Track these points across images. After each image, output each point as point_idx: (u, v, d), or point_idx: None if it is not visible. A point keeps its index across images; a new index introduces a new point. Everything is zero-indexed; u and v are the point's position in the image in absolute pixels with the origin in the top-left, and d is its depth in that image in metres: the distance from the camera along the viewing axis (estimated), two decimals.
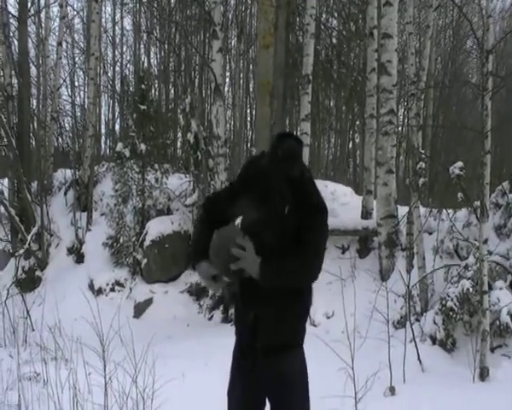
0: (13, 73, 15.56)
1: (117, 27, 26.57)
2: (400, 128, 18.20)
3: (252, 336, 3.38)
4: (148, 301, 12.26)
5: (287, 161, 3.25)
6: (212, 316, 11.47)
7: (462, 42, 26.08)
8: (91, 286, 12.80)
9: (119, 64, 26.63)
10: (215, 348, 7.90)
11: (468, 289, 8.25)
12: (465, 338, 8.28)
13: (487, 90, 7.77)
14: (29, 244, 13.43)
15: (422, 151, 10.45)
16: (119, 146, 13.77)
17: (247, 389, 3.49)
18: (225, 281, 3.33)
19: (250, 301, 3.35)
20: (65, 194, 15.67)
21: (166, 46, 23.35)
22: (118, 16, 26.48)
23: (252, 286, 3.25)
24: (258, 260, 3.18)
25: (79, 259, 13.83)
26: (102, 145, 26.18)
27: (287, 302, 3.32)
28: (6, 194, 15.21)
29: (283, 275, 3.21)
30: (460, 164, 8.72)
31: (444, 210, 10.57)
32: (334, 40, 19.43)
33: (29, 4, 17.40)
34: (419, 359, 7.90)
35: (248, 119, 23.83)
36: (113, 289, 12.74)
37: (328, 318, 10.27)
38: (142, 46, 26.16)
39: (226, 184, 11.64)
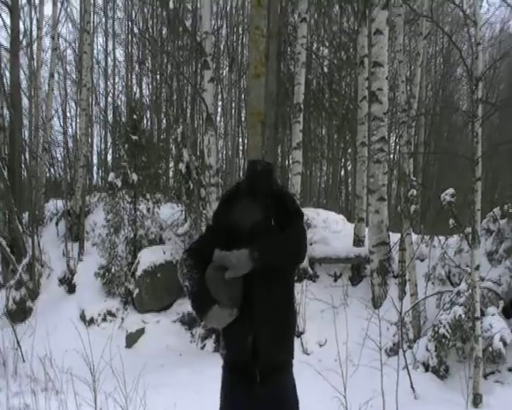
0: (4, 104, 15.60)
1: (109, 58, 26.85)
2: (392, 156, 18.28)
3: (251, 359, 3.37)
4: (140, 331, 12.16)
5: (267, 173, 3.53)
6: (204, 345, 11.39)
7: (453, 69, 26.26)
8: (83, 316, 12.67)
9: (111, 95, 26.82)
10: (207, 377, 7.81)
11: (460, 315, 8.23)
12: (458, 365, 8.25)
13: (477, 117, 7.81)
14: (20, 275, 13.36)
15: (414, 178, 10.48)
16: (111, 176, 13.76)
17: None
18: (235, 309, 3.33)
19: (248, 324, 3.34)
20: (56, 224, 15.64)
21: (158, 76, 23.49)
22: (110, 47, 26.71)
23: (248, 310, 3.30)
24: (245, 251, 3.23)
25: (71, 289, 13.75)
26: (94, 175, 26.31)
27: (281, 317, 3.40)
28: None
29: (272, 248, 3.29)
30: (451, 191, 8.76)
31: (435, 237, 10.58)
32: (326, 69, 19.61)
33: (21, 36, 17.51)
34: (412, 386, 7.86)
35: (240, 148, 23.91)
36: (104, 320, 12.63)
37: (320, 346, 10.22)
38: (134, 77, 26.33)
39: None
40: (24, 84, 20.63)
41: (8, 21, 17.74)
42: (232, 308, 3.29)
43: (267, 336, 3.34)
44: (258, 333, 3.34)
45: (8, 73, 17.17)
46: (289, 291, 3.54)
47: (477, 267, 7.78)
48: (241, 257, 3.21)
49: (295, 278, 3.77)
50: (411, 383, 7.88)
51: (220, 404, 3.56)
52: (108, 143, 26.65)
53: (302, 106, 12.48)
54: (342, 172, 23.52)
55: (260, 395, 3.39)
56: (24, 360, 9.74)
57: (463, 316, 8.22)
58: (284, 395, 3.44)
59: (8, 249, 13.82)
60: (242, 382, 3.43)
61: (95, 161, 26.43)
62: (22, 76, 20.02)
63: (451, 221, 9.01)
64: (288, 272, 3.54)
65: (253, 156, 11.82)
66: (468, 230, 8.30)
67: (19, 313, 13.20)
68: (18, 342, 10.34)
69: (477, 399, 7.42)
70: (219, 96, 23.16)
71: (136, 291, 12.69)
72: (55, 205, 16.14)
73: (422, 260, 10.54)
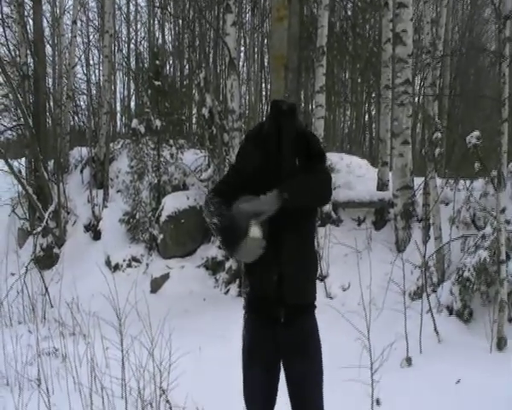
0: (28, 52, 15.60)
1: (131, 4, 26.50)
2: (416, 98, 18.05)
3: (275, 298, 3.35)
4: (165, 277, 12.28)
5: (292, 113, 3.43)
6: (228, 290, 11.47)
7: (480, 10, 25.71)
8: (108, 262, 12.87)
9: (133, 41, 26.60)
10: (231, 322, 7.84)
11: (485, 259, 8.14)
12: (482, 309, 8.19)
13: (505, 57, 7.65)
14: (46, 222, 13.52)
15: (439, 121, 10.33)
16: (135, 122, 13.76)
17: (269, 361, 3.47)
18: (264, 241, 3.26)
19: (274, 263, 3.31)
20: (81, 172, 15.74)
21: (180, 22, 23.26)
22: None
23: (274, 249, 3.27)
24: (274, 193, 3.18)
25: (96, 236, 13.92)
26: (118, 122, 26.26)
27: (306, 258, 3.41)
28: (23, 173, 15.32)
29: (301, 188, 3.27)
30: (477, 133, 8.62)
31: (460, 180, 10.47)
32: (349, 11, 19.30)
33: None
34: (436, 330, 7.86)
35: (263, 93, 23.72)
36: (129, 265, 12.79)
37: (344, 290, 10.24)
38: (156, 22, 26.06)
39: None
40: (47, 31, 20.60)
41: None
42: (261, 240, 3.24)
43: (293, 275, 3.34)
44: (284, 272, 3.33)
45: (31, 21, 17.09)
46: (312, 233, 3.57)
47: (502, 210, 7.69)
48: (269, 200, 3.17)
49: (317, 221, 3.73)
50: (435, 326, 7.87)
51: (243, 347, 3.55)
52: (131, 90, 26.64)
53: (325, 49, 12.33)
54: (366, 117, 23.34)
55: (284, 337, 3.39)
56: (52, 306, 9.91)
57: (488, 260, 8.13)
58: (309, 338, 3.45)
59: (34, 197, 13.98)
60: (266, 323, 3.43)
61: (118, 107, 26.41)
62: (45, 24, 19.94)
63: (477, 164, 8.88)
64: (313, 213, 3.56)
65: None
66: (494, 173, 8.19)
67: (46, 260, 13.44)
68: (46, 288, 10.51)
69: (501, 342, 7.40)
70: (242, 42, 22.92)
71: (161, 237, 12.78)
72: (79, 152, 16.21)
73: (447, 204, 10.43)
